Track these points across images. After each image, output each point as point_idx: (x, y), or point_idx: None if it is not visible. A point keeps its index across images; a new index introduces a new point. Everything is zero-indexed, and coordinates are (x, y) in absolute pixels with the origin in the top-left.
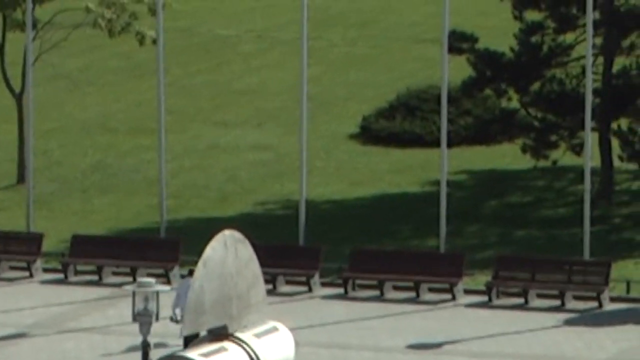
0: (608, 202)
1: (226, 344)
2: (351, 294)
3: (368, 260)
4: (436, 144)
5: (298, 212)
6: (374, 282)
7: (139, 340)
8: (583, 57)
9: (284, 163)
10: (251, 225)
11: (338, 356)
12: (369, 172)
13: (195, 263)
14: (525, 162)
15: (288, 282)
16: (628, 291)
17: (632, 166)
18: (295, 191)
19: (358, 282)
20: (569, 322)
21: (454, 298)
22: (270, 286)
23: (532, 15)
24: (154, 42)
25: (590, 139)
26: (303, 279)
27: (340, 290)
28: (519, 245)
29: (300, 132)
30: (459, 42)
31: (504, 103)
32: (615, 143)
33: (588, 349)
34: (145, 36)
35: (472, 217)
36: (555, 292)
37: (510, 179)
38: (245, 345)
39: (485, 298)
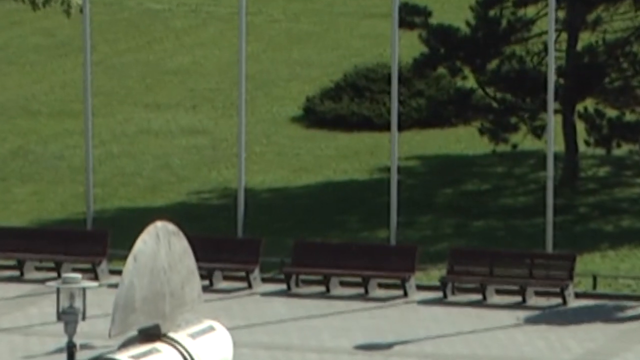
0: (572, 190)
1: (158, 345)
2: (294, 290)
3: (312, 254)
4: (386, 127)
5: (236, 202)
6: (319, 278)
7: (64, 341)
8: (545, 32)
9: (220, 149)
10: (185, 216)
11: (279, 358)
12: (313, 158)
13: (125, 257)
14: (483, 146)
15: (226, 278)
16: (594, 286)
17: (598, 151)
18: (233, 179)
19: (301, 277)
20: (530, 321)
21: (405, 294)
22: (206, 282)
23: None
24: (82, 11)
25: (553, 121)
26: (242, 274)
27: (283, 287)
28: (476, 237)
29: (239, 115)
30: (411, 16)
31: (459, 83)
32: (580, 126)
33: (551, 350)
34: (71, 5)
35: (425, 206)
36: (515, 287)
37: (466, 165)
38: (179, 346)
39: (439, 294)
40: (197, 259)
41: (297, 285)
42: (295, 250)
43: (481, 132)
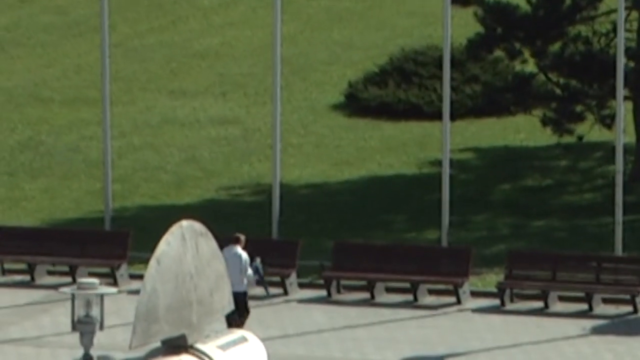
0: None
1: (184, 357)
2: (334, 297)
3: (355, 257)
4: (437, 116)
5: (271, 199)
6: (362, 283)
7: (79, 353)
8: (614, 11)
9: (253, 140)
10: (214, 215)
11: None
12: (355, 150)
13: (147, 261)
14: (545, 137)
15: (259, 284)
16: None
17: None
18: (267, 174)
19: (343, 282)
20: (597, 331)
21: (458, 302)
22: None
23: None
24: None
25: (623, 109)
26: (277, 279)
27: (322, 293)
28: (536, 238)
29: (273, 102)
30: None
31: (518, 67)
32: None
33: None
34: None
35: (480, 204)
36: (580, 294)
37: (526, 158)
38: (207, 359)
39: (496, 302)
40: None
41: (338, 291)
42: (335, 253)
43: (543, 121)
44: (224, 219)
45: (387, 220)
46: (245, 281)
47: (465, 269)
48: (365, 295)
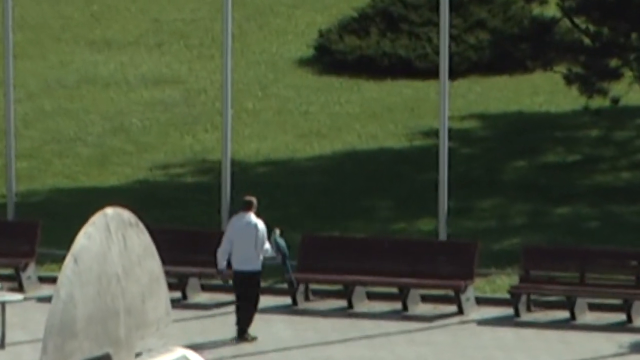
0: None
1: None
2: (302, 305)
3: (328, 254)
4: (432, 73)
5: (220, 180)
6: (337, 288)
7: None
8: None
9: (197, 105)
10: (148, 200)
11: None
12: (328, 117)
13: (62, 259)
14: (570, 100)
15: (206, 288)
16: None
17: None
18: (216, 147)
19: (313, 287)
20: (637, 348)
21: (460, 311)
22: (177, 294)
23: None
24: None
25: None
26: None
27: (286, 300)
28: (559, 230)
29: (223, 57)
30: None
31: (535, 10)
32: None
33: None
34: None
35: (487, 186)
36: (616, 301)
37: (546, 127)
38: None
39: (508, 311)
40: (164, 262)
41: (306, 298)
42: (303, 249)
43: (568, 80)
44: (161, 206)
45: (369, 207)
46: (260, 257)
47: (468, 269)
48: (342, 303)
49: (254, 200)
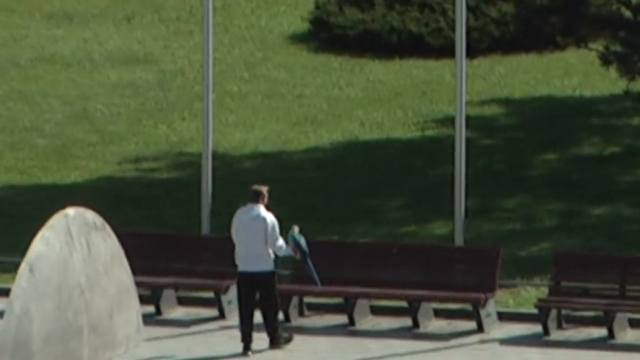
0: None
1: None
2: (296, 321)
3: (325, 261)
4: (447, 51)
5: (200, 176)
6: (337, 301)
7: None
8: None
9: (173, 88)
10: (115, 199)
11: None
12: (326, 102)
13: (15, 268)
14: (608, 83)
15: (183, 301)
16: None
17: None
18: (195, 138)
19: (308, 300)
20: None
21: (480, 329)
22: (150, 308)
23: None
24: None
25: None
26: (210, 294)
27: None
28: (596, 234)
29: (203, 32)
30: None
31: None
32: None
33: None
34: None
35: (512, 182)
36: None
37: (579, 114)
38: None
39: (536, 328)
40: (135, 271)
41: (300, 313)
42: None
43: (605, 59)
44: (131, 205)
45: (373, 207)
46: (272, 255)
47: (489, 279)
48: (341, 318)
49: (263, 190)
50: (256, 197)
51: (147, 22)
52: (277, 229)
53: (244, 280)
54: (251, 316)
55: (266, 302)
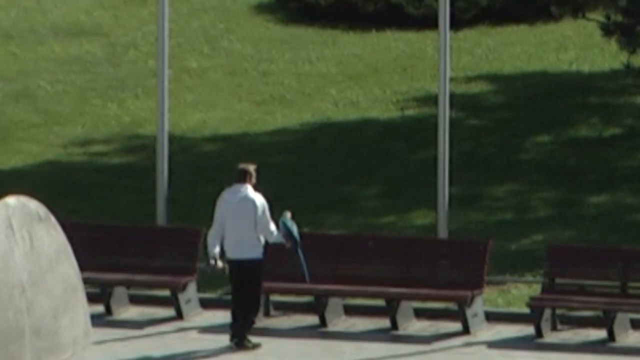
0: None
1: None
2: (262, 322)
3: (294, 255)
4: (430, 22)
5: (155, 161)
6: (307, 299)
7: None
8: None
9: (124, 63)
10: (61, 187)
11: None
12: (295, 79)
13: None
14: (608, 57)
15: (136, 300)
16: None
17: None
18: (149, 118)
19: (274, 299)
20: None
21: (465, 330)
22: (99, 307)
23: None
24: None
25: None
26: (166, 292)
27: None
28: (594, 225)
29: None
30: None
31: None
32: None
33: None
34: None
35: (501, 167)
36: None
37: (577, 92)
38: None
39: (528, 329)
40: (83, 267)
41: (266, 313)
42: (264, 250)
43: (605, 30)
44: (78, 194)
45: (348, 195)
46: (262, 241)
47: (476, 275)
48: (312, 319)
49: (250, 168)
50: (243, 177)
51: None
52: (268, 212)
53: (231, 268)
54: (241, 305)
55: (246, 293)
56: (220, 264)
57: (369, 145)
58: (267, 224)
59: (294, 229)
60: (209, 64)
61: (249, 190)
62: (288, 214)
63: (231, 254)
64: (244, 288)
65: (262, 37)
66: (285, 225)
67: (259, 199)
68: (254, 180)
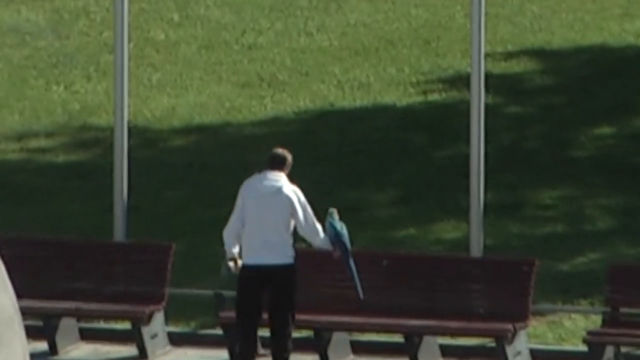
0: None
1: None
2: None
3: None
4: None
5: (112, 158)
6: (305, 334)
7: None
8: None
9: (73, 35)
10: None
11: None
12: (288, 55)
13: None
14: None
15: (87, 336)
16: None
17: None
18: (105, 105)
19: (262, 333)
20: None
21: None
22: (43, 344)
23: None
24: None
25: None
26: (126, 325)
27: (220, 353)
28: None
29: None
30: None
31: None
32: None
33: None
34: None
35: (548, 166)
36: None
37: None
38: None
39: None
40: (21, 294)
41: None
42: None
43: None
44: (14, 201)
45: (355, 202)
46: (292, 243)
47: (519, 303)
48: (312, 358)
49: (287, 155)
50: (279, 163)
51: None
52: (310, 209)
53: (250, 278)
54: (256, 329)
55: (281, 308)
56: (239, 265)
57: (381, 138)
58: (313, 223)
59: (344, 233)
60: (179, 36)
61: (284, 180)
62: (335, 214)
63: (251, 259)
64: (275, 301)
65: (245, 2)
66: (333, 227)
67: (297, 193)
68: (288, 169)
